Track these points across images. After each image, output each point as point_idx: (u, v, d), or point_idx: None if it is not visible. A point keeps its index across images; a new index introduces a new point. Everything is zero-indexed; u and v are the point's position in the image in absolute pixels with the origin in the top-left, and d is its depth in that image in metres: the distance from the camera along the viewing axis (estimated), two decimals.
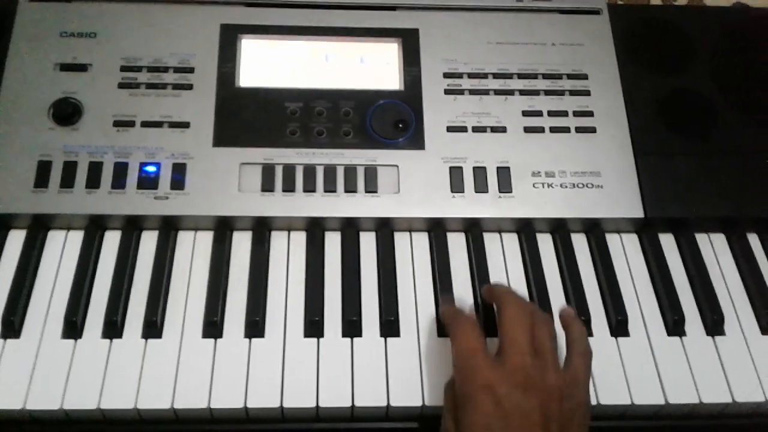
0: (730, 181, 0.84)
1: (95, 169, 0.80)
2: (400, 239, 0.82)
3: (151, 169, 0.80)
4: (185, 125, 0.83)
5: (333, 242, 0.81)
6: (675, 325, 0.77)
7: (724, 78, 0.91)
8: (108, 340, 0.72)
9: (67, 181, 0.79)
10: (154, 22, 0.88)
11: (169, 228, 0.80)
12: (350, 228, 0.81)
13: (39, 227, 0.79)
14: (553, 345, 0.66)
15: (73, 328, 0.72)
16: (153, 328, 0.73)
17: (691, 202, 0.83)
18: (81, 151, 0.81)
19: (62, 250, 0.78)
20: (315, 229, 0.81)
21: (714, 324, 0.78)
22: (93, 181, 0.79)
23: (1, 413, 0.68)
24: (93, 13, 0.88)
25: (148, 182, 0.80)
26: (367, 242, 0.82)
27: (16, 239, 0.78)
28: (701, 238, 0.84)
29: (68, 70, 0.85)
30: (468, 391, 0.62)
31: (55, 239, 0.79)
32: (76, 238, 0.79)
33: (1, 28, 0.87)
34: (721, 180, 0.84)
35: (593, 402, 0.71)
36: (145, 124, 0.83)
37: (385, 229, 0.82)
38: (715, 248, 0.84)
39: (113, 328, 0.73)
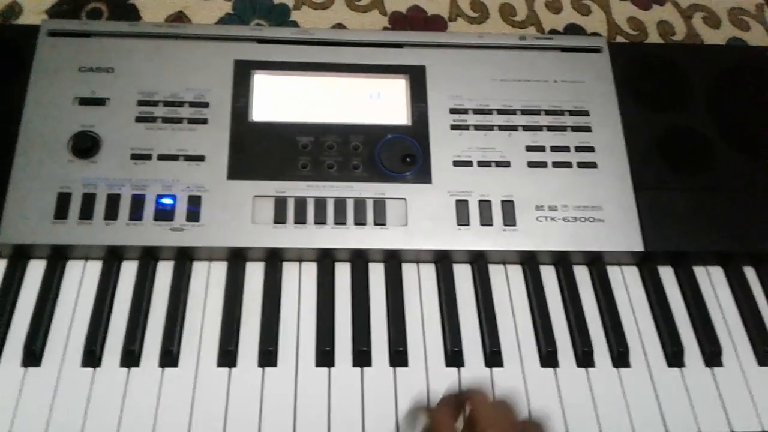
0: (727, 215, 0.87)
1: (113, 201, 0.82)
2: (408, 270, 0.85)
3: (167, 201, 0.83)
4: (200, 158, 0.85)
5: (343, 273, 0.84)
6: (674, 357, 0.80)
7: (721, 114, 0.94)
8: (126, 369, 0.74)
9: (86, 213, 0.81)
10: (170, 58, 0.91)
11: (185, 258, 0.82)
12: (359, 259, 0.84)
13: (58, 257, 0.81)
14: None
15: (92, 357, 0.75)
16: (170, 357, 0.75)
17: (689, 236, 0.86)
18: (99, 183, 0.83)
19: (81, 280, 0.81)
20: (325, 260, 0.84)
21: (712, 356, 0.80)
22: (111, 213, 0.82)
23: None
24: (111, 48, 0.91)
25: (164, 214, 0.82)
26: (376, 273, 0.84)
27: (37, 269, 0.81)
28: (699, 271, 0.86)
29: (87, 104, 0.88)
30: None
31: (74, 269, 0.81)
32: (95, 268, 0.81)
33: (22, 62, 0.90)
34: (718, 214, 0.87)
35: None
36: (162, 157, 0.85)
37: (394, 260, 0.84)
38: (713, 281, 0.86)
39: (131, 357, 0.75)
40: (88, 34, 0.92)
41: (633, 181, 0.88)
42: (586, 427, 0.74)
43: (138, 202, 0.82)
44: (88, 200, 0.82)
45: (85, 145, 0.85)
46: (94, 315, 0.77)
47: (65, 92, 0.88)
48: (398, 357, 0.77)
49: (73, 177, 0.83)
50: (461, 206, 0.85)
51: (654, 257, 0.86)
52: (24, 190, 0.82)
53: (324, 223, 0.84)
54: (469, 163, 0.88)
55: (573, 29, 1.17)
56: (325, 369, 0.76)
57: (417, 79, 0.92)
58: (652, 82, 0.95)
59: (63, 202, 0.82)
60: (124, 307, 0.79)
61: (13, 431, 0.70)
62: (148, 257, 0.82)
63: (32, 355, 0.74)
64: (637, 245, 0.85)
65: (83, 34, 0.92)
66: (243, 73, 0.91)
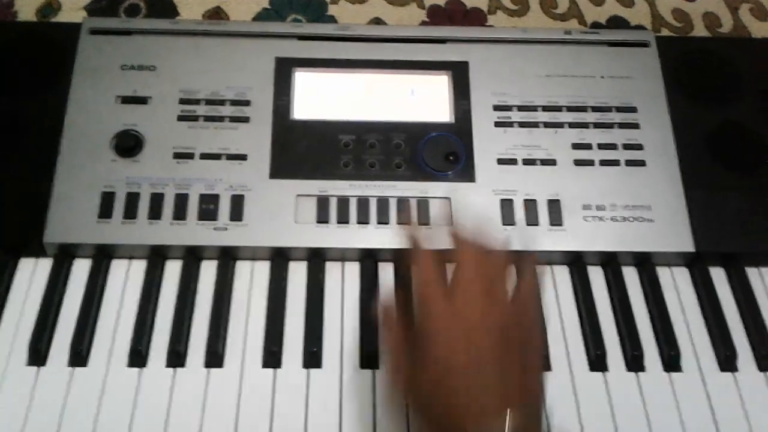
0: None
1: (157, 200, 0.82)
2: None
3: (210, 200, 0.82)
4: (243, 157, 0.85)
5: (386, 273, 0.83)
6: (727, 361, 0.78)
7: None
8: (172, 369, 0.74)
9: (130, 212, 0.81)
10: (211, 56, 0.91)
11: (228, 258, 0.82)
12: (403, 260, 0.83)
13: (103, 257, 0.81)
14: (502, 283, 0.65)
15: (138, 357, 0.75)
16: (215, 357, 0.75)
17: (741, 236, 0.84)
18: (143, 182, 0.83)
19: (125, 280, 0.81)
20: (368, 260, 0.83)
21: (765, 360, 0.78)
22: (155, 212, 0.81)
23: None
24: (152, 47, 0.91)
25: (208, 213, 0.82)
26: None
27: (82, 268, 0.81)
28: (752, 273, 0.84)
29: (129, 102, 0.87)
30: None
31: (118, 269, 0.81)
32: (139, 267, 0.81)
33: (64, 61, 0.90)
34: None
35: None
36: (204, 156, 0.85)
37: None
38: (765, 283, 0.84)
39: (177, 357, 0.75)
40: (129, 31, 0.92)
41: (683, 180, 0.86)
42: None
43: (182, 202, 0.82)
44: (132, 199, 0.82)
45: (128, 144, 0.85)
46: (140, 315, 0.77)
47: (108, 91, 0.88)
48: None
49: (117, 176, 0.83)
50: (506, 205, 0.84)
51: (705, 258, 0.84)
52: (68, 189, 0.82)
53: (367, 223, 0.83)
54: (513, 162, 0.86)
55: (616, 22, 1.14)
56: (369, 371, 0.75)
57: (460, 75, 0.91)
58: (703, 77, 0.93)
59: (107, 202, 0.82)
60: (169, 307, 0.79)
61: (61, 431, 0.70)
62: (192, 257, 0.82)
63: (78, 356, 0.75)
64: (688, 246, 0.83)
65: (124, 32, 0.92)
66: (284, 70, 0.90)
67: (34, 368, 0.74)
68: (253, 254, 0.82)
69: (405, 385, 0.64)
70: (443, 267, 0.67)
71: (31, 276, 0.80)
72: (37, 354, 0.74)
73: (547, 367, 0.76)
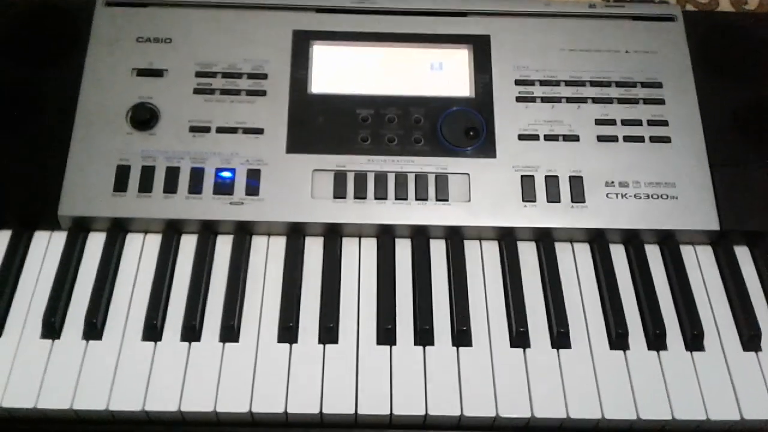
0: None
1: (172, 174, 0.81)
2: (470, 247, 0.82)
3: (226, 174, 0.82)
4: (259, 131, 0.84)
5: (404, 249, 0.82)
6: (751, 341, 0.76)
7: None
8: (187, 343, 0.74)
9: (146, 186, 0.81)
10: (228, 28, 0.89)
11: (244, 233, 0.81)
12: (421, 236, 0.82)
13: (118, 230, 0.81)
14: None
15: (153, 331, 0.74)
16: (231, 331, 0.74)
17: (767, 215, 0.81)
18: (158, 156, 0.82)
19: (141, 253, 0.80)
20: (386, 236, 0.82)
21: None
22: (170, 186, 0.81)
23: (86, 413, 0.70)
24: (168, 19, 0.90)
25: (223, 188, 0.81)
26: (438, 250, 0.82)
27: (96, 242, 0.80)
28: None
29: (145, 75, 0.87)
30: None
31: (133, 242, 0.81)
32: (155, 241, 0.80)
33: (79, 33, 0.89)
34: None
35: (668, 417, 0.71)
36: (220, 130, 0.84)
37: (456, 237, 0.82)
38: None
39: (192, 332, 0.74)
40: (145, 3, 0.91)
41: (709, 157, 0.84)
42: (657, 411, 0.71)
43: (197, 176, 0.81)
44: (147, 173, 0.81)
45: (144, 117, 0.84)
46: (155, 289, 0.77)
47: (123, 63, 0.87)
48: (461, 336, 0.75)
49: (132, 149, 0.83)
50: (527, 182, 0.83)
51: (730, 237, 0.82)
52: (83, 162, 0.82)
53: (384, 199, 0.82)
54: (535, 137, 0.85)
55: None
56: (387, 347, 0.74)
57: (481, 49, 0.89)
58: (730, 53, 0.91)
59: (122, 175, 0.81)
60: (184, 281, 0.78)
61: (75, 404, 0.70)
62: (208, 231, 0.81)
63: (93, 328, 0.74)
64: (713, 224, 0.81)
65: (140, 4, 0.91)
66: (302, 43, 0.89)
67: (48, 341, 0.73)
68: (269, 229, 0.81)
69: None
70: None
71: (46, 249, 0.80)
72: (52, 327, 0.74)
73: (567, 345, 0.75)
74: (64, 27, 0.90)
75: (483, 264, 0.81)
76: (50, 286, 0.77)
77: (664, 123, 0.86)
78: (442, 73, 0.89)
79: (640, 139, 0.85)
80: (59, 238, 0.80)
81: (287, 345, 0.74)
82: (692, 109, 0.86)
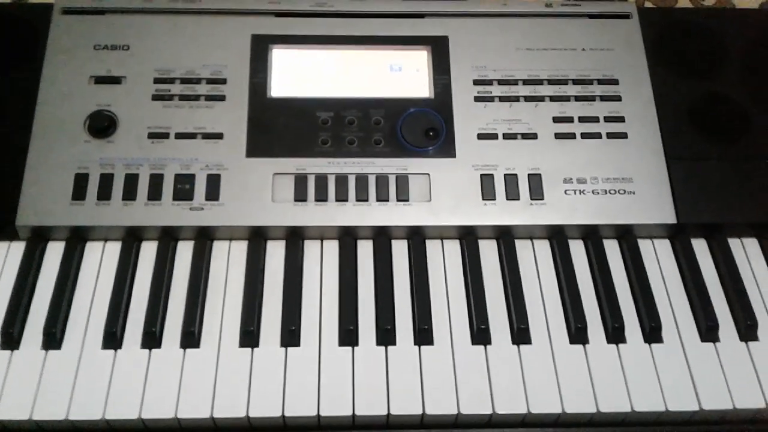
0: (763, 185, 0.84)
1: (131, 181, 0.81)
2: (432, 247, 0.83)
3: (186, 180, 0.81)
4: (219, 136, 0.84)
5: (366, 251, 0.82)
6: (708, 331, 0.77)
7: (755, 81, 0.90)
8: (147, 350, 0.73)
9: (104, 194, 0.80)
10: (186, 34, 0.89)
11: (205, 238, 0.81)
12: (382, 236, 0.82)
13: (77, 239, 0.80)
14: None
15: (113, 338, 0.74)
16: (191, 337, 0.74)
17: (723, 207, 0.83)
18: (117, 163, 0.82)
19: (100, 262, 0.80)
20: (347, 237, 0.82)
21: (747, 329, 0.77)
22: (129, 193, 0.80)
23: (46, 423, 0.70)
24: (126, 25, 0.90)
25: (183, 193, 0.81)
26: (399, 250, 0.82)
27: (55, 251, 0.80)
28: (734, 243, 0.83)
29: (103, 82, 0.86)
30: None
31: (93, 251, 0.80)
32: (114, 249, 0.80)
33: (36, 42, 0.89)
34: (754, 184, 0.84)
35: (627, 409, 0.72)
36: (180, 136, 0.84)
37: (417, 237, 0.82)
38: (747, 253, 0.83)
39: (152, 339, 0.74)
40: (102, 11, 0.91)
41: (665, 152, 0.85)
42: (617, 404, 0.72)
43: (157, 182, 0.81)
44: (106, 180, 0.81)
45: (102, 125, 0.83)
46: (114, 296, 0.77)
47: (80, 71, 0.87)
48: (423, 335, 0.75)
49: (91, 157, 0.82)
50: (486, 180, 0.83)
51: (687, 230, 0.83)
52: (41, 171, 0.81)
53: (345, 200, 0.82)
54: (494, 136, 0.85)
55: None
56: (349, 348, 0.75)
57: (439, 49, 0.90)
58: (685, 49, 0.92)
59: (80, 183, 0.81)
60: (145, 288, 0.78)
61: (35, 414, 0.69)
62: (168, 237, 0.81)
63: (53, 338, 0.73)
64: (670, 217, 0.82)
65: (97, 12, 0.91)
66: (260, 48, 0.89)
67: (7, 352, 0.73)
68: (231, 234, 0.81)
69: None
70: None
71: (4, 260, 0.79)
72: (10, 338, 0.73)
73: (528, 340, 0.75)
74: (21, 35, 0.90)
75: (445, 263, 0.82)
76: (8, 296, 0.76)
77: (621, 119, 0.87)
78: (401, 75, 0.89)
79: (597, 135, 0.86)
80: (18, 249, 0.80)
81: (249, 349, 0.74)
82: (648, 105, 0.88)
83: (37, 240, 0.80)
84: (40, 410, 0.69)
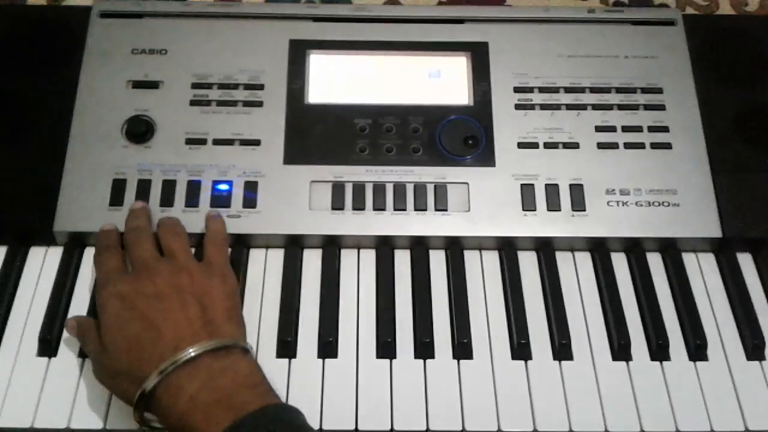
0: None
1: (169, 187, 0.81)
2: (470, 258, 0.81)
3: (223, 187, 0.81)
4: (256, 143, 0.83)
5: (403, 261, 0.81)
6: (755, 350, 0.75)
7: None
8: None
9: (142, 200, 0.80)
10: (224, 38, 0.89)
11: (242, 245, 0.80)
12: (420, 246, 0.81)
13: None
14: (180, 242, 0.74)
15: None
16: None
17: None
18: (155, 169, 0.82)
19: None
20: (385, 247, 0.81)
21: None
22: (167, 200, 0.80)
23: None
24: (163, 30, 0.89)
25: (220, 200, 0.80)
26: (437, 261, 0.81)
27: (92, 258, 0.79)
28: None
29: (140, 87, 0.86)
30: (101, 300, 0.69)
31: None
32: None
33: (74, 45, 0.88)
34: None
35: (671, 429, 0.70)
36: (217, 142, 0.83)
37: (455, 247, 0.81)
38: None
39: None
40: (140, 14, 0.90)
41: (710, 163, 0.83)
42: (661, 423, 0.71)
43: (194, 189, 0.81)
44: (144, 186, 0.81)
45: (140, 130, 0.83)
46: None
47: (118, 75, 0.86)
48: (462, 349, 0.74)
49: (128, 163, 0.82)
50: (527, 190, 0.82)
51: (732, 244, 0.81)
52: (79, 176, 0.81)
53: (383, 209, 0.81)
54: (534, 145, 0.84)
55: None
56: (387, 361, 0.74)
57: (479, 56, 0.88)
58: (732, 57, 0.89)
59: (118, 189, 0.80)
60: None
61: (72, 423, 0.69)
62: None
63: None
64: (715, 231, 0.80)
65: (135, 15, 0.90)
66: (298, 53, 0.88)
67: (44, 359, 0.73)
68: (267, 242, 0.81)
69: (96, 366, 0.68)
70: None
71: (42, 265, 0.79)
72: (48, 345, 0.73)
73: (569, 356, 0.74)
74: (59, 39, 0.90)
75: (483, 274, 0.80)
76: (46, 303, 0.76)
77: (665, 129, 0.85)
78: (440, 81, 0.88)
79: (640, 145, 0.84)
80: (55, 254, 0.79)
81: (286, 360, 0.73)
82: (693, 115, 0.86)
83: (75, 246, 0.80)
84: (77, 419, 0.69)
